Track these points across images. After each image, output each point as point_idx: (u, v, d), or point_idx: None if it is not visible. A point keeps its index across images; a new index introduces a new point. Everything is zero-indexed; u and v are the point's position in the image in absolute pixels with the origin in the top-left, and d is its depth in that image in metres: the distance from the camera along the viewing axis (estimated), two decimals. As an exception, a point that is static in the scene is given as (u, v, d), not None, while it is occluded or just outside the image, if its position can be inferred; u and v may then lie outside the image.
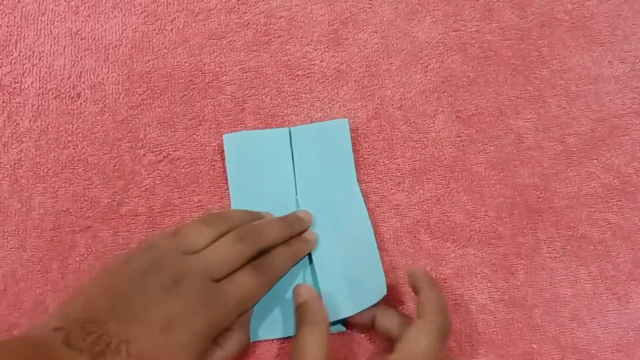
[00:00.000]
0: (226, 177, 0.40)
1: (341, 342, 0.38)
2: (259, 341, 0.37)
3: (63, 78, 0.43)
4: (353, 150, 0.41)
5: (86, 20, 0.44)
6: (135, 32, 0.44)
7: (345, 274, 0.37)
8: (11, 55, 0.43)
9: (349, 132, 0.41)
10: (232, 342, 0.33)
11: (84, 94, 0.42)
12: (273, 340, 0.37)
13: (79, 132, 0.41)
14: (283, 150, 0.41)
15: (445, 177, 0.42)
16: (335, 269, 0.38)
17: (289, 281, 0.38)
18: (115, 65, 0.43)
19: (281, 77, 0.43)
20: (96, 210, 0.40)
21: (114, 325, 0.28)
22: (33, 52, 0.43)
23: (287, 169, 0.40)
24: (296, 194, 0.40)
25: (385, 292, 0.37)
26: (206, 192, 0.40)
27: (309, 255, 0.38)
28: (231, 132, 0.41)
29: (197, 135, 0.42)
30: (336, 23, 0.45)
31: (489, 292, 0.39)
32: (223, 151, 0.41)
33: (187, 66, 0.43)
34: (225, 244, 0.33)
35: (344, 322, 0.38)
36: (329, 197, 0.40)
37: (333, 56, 0.44)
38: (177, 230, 0.34)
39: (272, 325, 0.37)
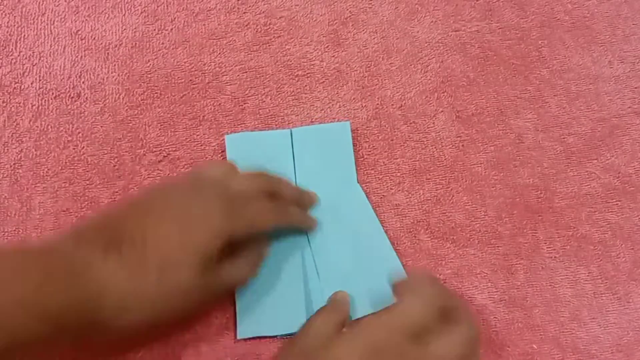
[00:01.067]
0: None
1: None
2: (260, 339, 0.37)
3: (63, 78, 0.43)
4: (353, 151, 0.41)
5: (86, 20, 0.44)
6: (135, 32, 0.44)
7: (357, 274, 0.38)
8: (11, 55, 0.43)
9: (351, 135, 0.41)
10: (244, 261, 0.34)
11: (84, 94, 0.42)
12: (273, 339, 0.37)
13: (79, 132, 0.41)
14: (284, 152, 0.41)
15: (445, 177, 0.42)
16: (343, 270, 0.38)
17: (291, 282, 0.38)
18: (115, 65, 0.43)
19: (281, 77, 0.43)
20: (96, 210, 0.40)
21: (131, 223, 0.30)
22: (33, 52, 0.43)
23: (287, 170, 0.40)
24: None
25: None
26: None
27: (313, 258, 0.38)
28: (231, 132, 0.41)
29: (197, 135, 0.42)
30: (336, 23, 0.45)
31: (489, 292, 0.39)
32: (223, 151, 0.41)
33: (187, 66, 0.43)
34: (248, 174, 0.36)
35: None
36: (330, 198, 0.40)
37: (333, 56, 0.44)
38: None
39: (271, 323, 0.37)
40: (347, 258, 0.38)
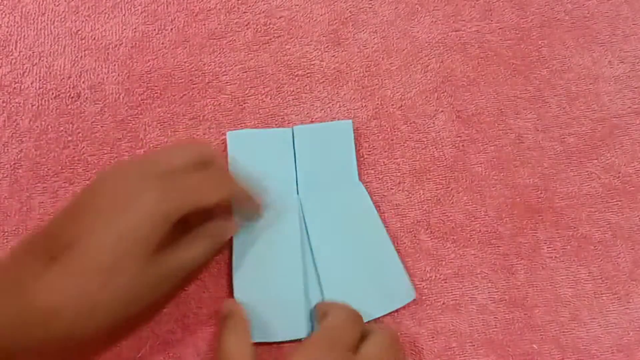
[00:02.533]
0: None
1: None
2: (259, 343, 0.37)
3: (63, 78, 0.43)
4: (355, 150, 0.42)
5: (86, 20, 0.44)
6: (135, 32, 0.44)
7: (358, 276, 0.38)
8: (11, 55, 0.43)
9: (353, 133, 0.41)
10: (196, 242, 0.32)
11: (84, 94, 0.42)
12: (272, 343, 0.37)
13: (79, 132, 0.41)
14: (285, 150, 0.41)
15: (445, 177, 0.42)
16: (344, 271, 0.38)
17: (291, 284, 0.37)
18: (115, 65, 0.43)
19: (281, 76, 0.43)
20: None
21: (66, 228, 0.28)
22: (33, 52, 0.43)
23: (289, 168, 0.40)
24: (298, 194, 0.40)
25: (414, 295, 0.38)
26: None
27: (313, 259, 0.38)
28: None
29: (197, 135, 0.42)
30: (336, 23, 0.45)
31: (489, 292, 0.39)
32: (224, 150, 0.41)
33: (187, 66, 0.43)
34: (176, 146, 0.34)
35: None
36: (332, 197, 0.40)
37: (333, 56, 0.44)
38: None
39: (271, 329, 0.37)
40: (348, 258, 0.38)
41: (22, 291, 0.26)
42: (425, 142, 0.42)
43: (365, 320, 0.36)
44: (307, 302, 0.37)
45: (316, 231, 0.39)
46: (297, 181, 0.40)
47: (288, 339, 0.36)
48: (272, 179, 0.40)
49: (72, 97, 0.42)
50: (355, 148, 0.42)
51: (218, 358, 0.32)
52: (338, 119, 0.42)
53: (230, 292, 0.38)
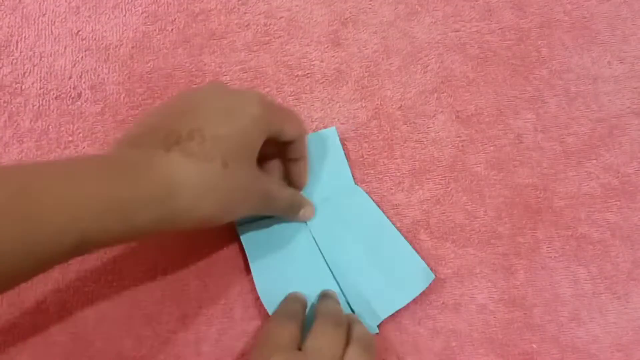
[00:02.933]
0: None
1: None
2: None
3: (64, 78, 0.43)
4: (353, 151, 0.42)
5: (87, 20, 0.44)
6: (135, 32, 0.44)
7: (375, 272, 0.38)
8: (12, 55, 0.43)
9: (339, 139, 0.41)
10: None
11: (85, 94, 0.42)
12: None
13: (79, 132, 0.41)
14: None
15: (444, 177, 0.42)
16: (360, 272, 0.38)
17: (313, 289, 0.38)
18: (115, 65, 0.43)
19: (281, 77, 0.44)
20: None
21: (179, 123, 0.30)
22: (34, 53, 0.43)
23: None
24: None
25: (433, 276, 0.38)
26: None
27: (328, 266, 0.38)
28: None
29: (198, 136, 0.42)
30: (336, 23, 0.45)
31: (488, 292, 0.39)
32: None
33: (188, 66, 0.43)
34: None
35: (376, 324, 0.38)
36: (333, 204, 0.40)
37: (333, 56, 0.44)
38: None
39: None
40: (362, 258, 0.38)
41: (149, 169, 0.28)
42: (425, 142, 0.42)
43: (391, 311, 0.37)
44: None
45: (325, 239, 0.39)
46: None
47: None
48: None
49: (73, 98, 0.42)
50: (355, 148, 0.42)
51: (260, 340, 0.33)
52: (338, 119, 0.43)
53: (236, 293, 0.38)
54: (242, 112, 0.31)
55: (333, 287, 0.38)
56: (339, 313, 0.35)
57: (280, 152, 0.38)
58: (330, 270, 0.38)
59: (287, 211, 0.37)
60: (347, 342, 0.33)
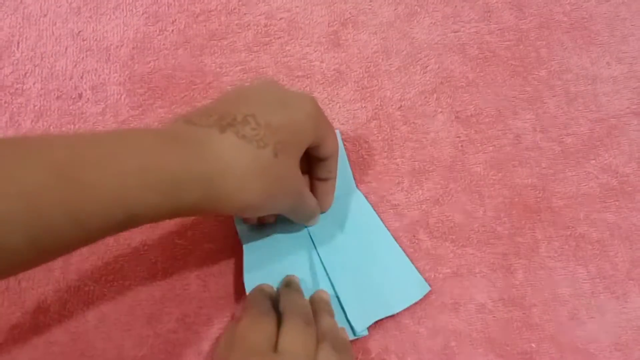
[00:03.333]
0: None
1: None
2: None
3: (65, 79, 0.43)
4: (353, 151, 0.42)
5: (88, 21, 0.44)
6: (136, 33, 0.44)
7: (370, 278, 0.38)
8: (13, 56, 0.43)
9: (342, 141, 0.41)
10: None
11: (86, 95, 0.43)
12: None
13: (80, 133, 0.42)
14: None
15: (444, 177, 0.42)
16: (355, 277, 0.38)
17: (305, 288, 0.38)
18: (116, 66, 0.43)
19: (281, 77, 0.44)
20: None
21: (234, 107, 0.30)
22: (35, 53, 0.43)
23: None
24: None
25: (428, 288, 0.38)
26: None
27: (324, 268, 0.38)
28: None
29: (198, 136, 0.42)
30: (336, 24, 0.45)
31: (488, 292, 0.39)
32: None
33: (188, 67, 0.44)
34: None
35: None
36: (333, 207, 0.39)
37: (333, 57, 0.44)
38: None
39: None
40: (358, 263, 0.38)
41: (202, 146, 0.28)
42: (425, 143, 0.43)
43: (383, 315, 0.37)
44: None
45: (322, 239, 0.39)
46: None
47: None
48: None
49: (74, 98, 0.42)
50: (355, 148, 0.42)
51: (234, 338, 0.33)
52: (338, 120, 0.43)
53: (236, 293, 0.38)
54: (297, 107, 0.32)
55: (326, 286, 0.38)
56: (307, 309, 0.34)
57: (310, 169, 0.37)
58: (325, 269, 0.38)
59: (307, 219, 0.37)
60: (318, 339, 0.32)
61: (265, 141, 0.29)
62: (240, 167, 0.28)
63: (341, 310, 0.37)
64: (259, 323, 0.32)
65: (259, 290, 0.36)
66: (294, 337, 0.31)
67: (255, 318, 0.32)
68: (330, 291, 0.38)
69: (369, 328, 0.38)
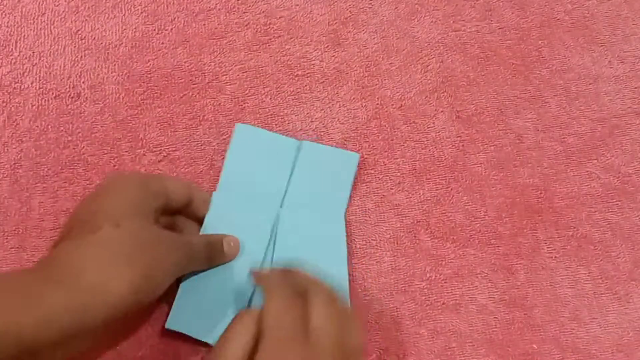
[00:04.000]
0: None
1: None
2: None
3: (63, 78, 0.43)
4: (353, 151, 0.42)
5: (86, 20, 0.44)
6: (135, 32, 0.44)
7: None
8: (11, 55, 0.43)
9: (356, 167, 0.41)
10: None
11: (84, 94, 0.42)
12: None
13: (79, 132, 0.41)
14: (286, 160, 0.40)
15: (445, 177, 0.42)
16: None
17: (237, 293, 0.36)
18: (115, 65, 0.43)
19: (281, 76, 0.43)
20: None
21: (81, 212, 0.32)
22: (33, 52, 0.43)
23: (282, 179, 0.40)
24: (281, 207, 0.39)
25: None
26: (206, 191, 0.40)
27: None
28: (231, 131, 0.41)
29: (197, 135, 0.42)
30: (336, 23, 0.45)
31: (489, 292, 0.39)
32: (224, 151, 0.41)
33: (187, 66, 0.43)
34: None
35: None
36: (309, 224, 0.39)
37: (333, 56, 0.44)
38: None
39: (205, 326, 0.36)
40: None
41: (57, 259, 0.29)
42: (425, 142, 0.42)
43: None
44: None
45: (283, 249, 0.38)
46: (285, 194, 0.40)
47: (202, 339, 0.36)
48: (262, 184, 0.39)
49: (72, 97, 0.42)
50: (355, 148, 0.42)
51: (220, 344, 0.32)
52: (338, 119, 0.42)
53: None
54: (123, 191, 0.32)
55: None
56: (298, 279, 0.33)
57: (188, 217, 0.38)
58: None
59: (210, 251, 0.36)
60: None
61: (101, 222, 0.30)
62: (90, 257, 0.29)
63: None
64: (288, 302, 0.31)
65: (279, 274, 0.34)
66: (323, 313, 0.30)
67: (285, 297, 0.31)
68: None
69: (368, 330, 0.37)
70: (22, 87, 0.42)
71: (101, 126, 0.42)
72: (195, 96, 0.43)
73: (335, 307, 0.31)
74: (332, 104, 0.43)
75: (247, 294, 0.37)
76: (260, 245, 0.38)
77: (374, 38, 0.45)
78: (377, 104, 0.43)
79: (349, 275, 0.38)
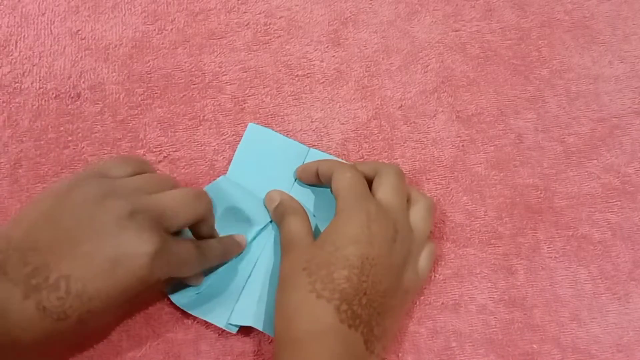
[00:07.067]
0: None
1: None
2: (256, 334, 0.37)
3: (63, 78, 0.43)
4: (353, 151, 0.42)
5: (86, 20, 0.44)
6: (135, 32, 0.44)
7: (268, 293, 0.37)
8: (11, 55, 0.43)
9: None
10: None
11: (84, 94, 0.42)
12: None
13: (79, 132, 0.41)
14: (292, 166, 0.40)
15: (445, 177, 0.42)
16: (264, 283, 0.37)
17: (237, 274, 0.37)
18: (115, 65, 0.43)
19: (281, 77, 0.43)
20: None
21: (55, 257, 0.27)
22: (33, 52, 0.43)
23: (286, 185, 0.40)
24: None
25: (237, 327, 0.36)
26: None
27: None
28: (231, 132, 0.42)
29: (197, 136, 0.42)
30: (336, 23, 0.45)
31: (489, 292, 0.39)
32: (224, 150, 0.41)
33: (187, 66, 0.43)
34: (184, 194, 0.32)
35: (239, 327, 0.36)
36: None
37: (333, 56, 0.44)
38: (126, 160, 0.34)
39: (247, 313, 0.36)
40: (273, 279, 0.37)
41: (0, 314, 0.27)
42: (425, 142, 0.42)
43: (263, 329, 0.35)
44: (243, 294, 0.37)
45: (270, 253, 0.38)
46: None
47: (210, 320, 0.36)
48: (267, 186, 0.39)
49: (72, 97, 0.42)
50: (355, 148, 0.42)
51: (285, 241, 0.35)
52: (338, 119, 0.42)
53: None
54: (128, 267, 0.28)
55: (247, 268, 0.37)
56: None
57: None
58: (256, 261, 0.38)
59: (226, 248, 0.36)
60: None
61: (69, 313, 0.27)
62: (28, 340, 0.27)
63: (236, 296, 0.36)
64: (358, 177, 0.35)
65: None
66: (390, 188, 0.35)
67: (353, 173, 0.36)
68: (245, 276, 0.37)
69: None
70: (22, 87, 0.42)
71: (101, 126, 0.42)
72: (195, 96, 0.43)
73: (402, 185, 0.35)
74: (332, 104, 0.43)
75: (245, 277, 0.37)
76: (254, 248, 0.38)
77: (374, 38, 0.45)
78: (377, 104, 0.43)
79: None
